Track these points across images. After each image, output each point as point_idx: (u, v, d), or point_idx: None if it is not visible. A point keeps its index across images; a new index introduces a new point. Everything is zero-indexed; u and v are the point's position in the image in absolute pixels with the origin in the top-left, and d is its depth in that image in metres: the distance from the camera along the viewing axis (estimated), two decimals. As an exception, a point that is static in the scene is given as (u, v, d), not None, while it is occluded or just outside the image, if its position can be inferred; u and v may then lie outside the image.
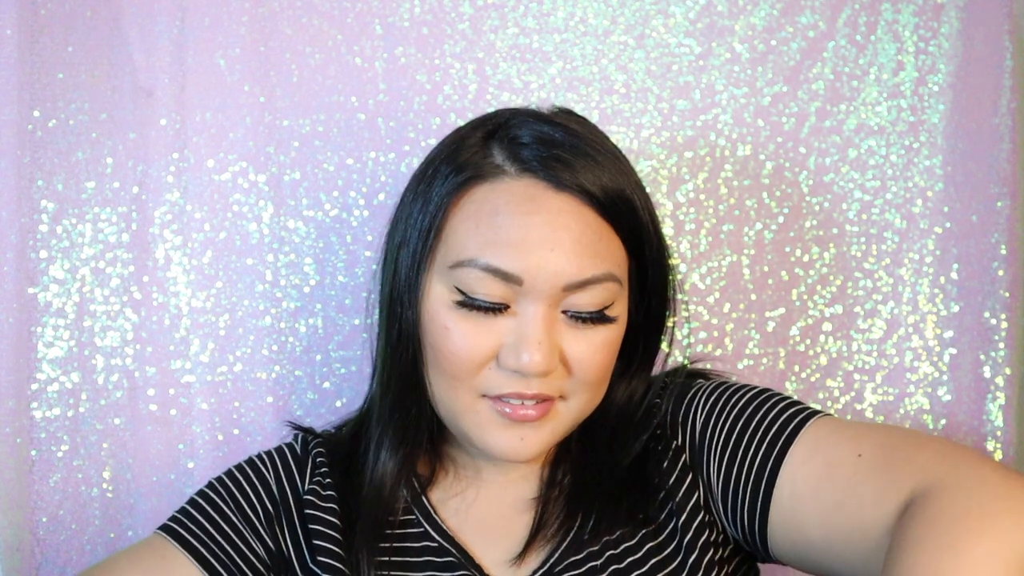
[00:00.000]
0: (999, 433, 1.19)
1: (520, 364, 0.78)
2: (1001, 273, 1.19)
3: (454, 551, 0.85)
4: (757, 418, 0.83)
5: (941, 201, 1.20)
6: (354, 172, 1.15)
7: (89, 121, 1.10)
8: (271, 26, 1.13)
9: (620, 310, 0.83)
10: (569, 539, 0.84)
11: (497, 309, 0.80)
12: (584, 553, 0.84)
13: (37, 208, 1.09)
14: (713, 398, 0.88)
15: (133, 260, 1.11)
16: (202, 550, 0.85)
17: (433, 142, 1.15)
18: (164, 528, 0.88)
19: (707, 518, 0.85)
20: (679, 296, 0.91)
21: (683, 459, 0.86)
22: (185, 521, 0.87)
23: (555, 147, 0.81)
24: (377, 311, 0.91)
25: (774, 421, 0.83)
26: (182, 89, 1.11)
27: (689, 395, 0.89)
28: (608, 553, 0.83)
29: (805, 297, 1.20)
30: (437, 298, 0.82)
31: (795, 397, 0.90)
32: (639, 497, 0.85)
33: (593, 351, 0.81)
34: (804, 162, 1.19)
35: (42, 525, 1.08)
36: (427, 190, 0.84)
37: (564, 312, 0.81)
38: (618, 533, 0.84)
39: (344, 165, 1.15)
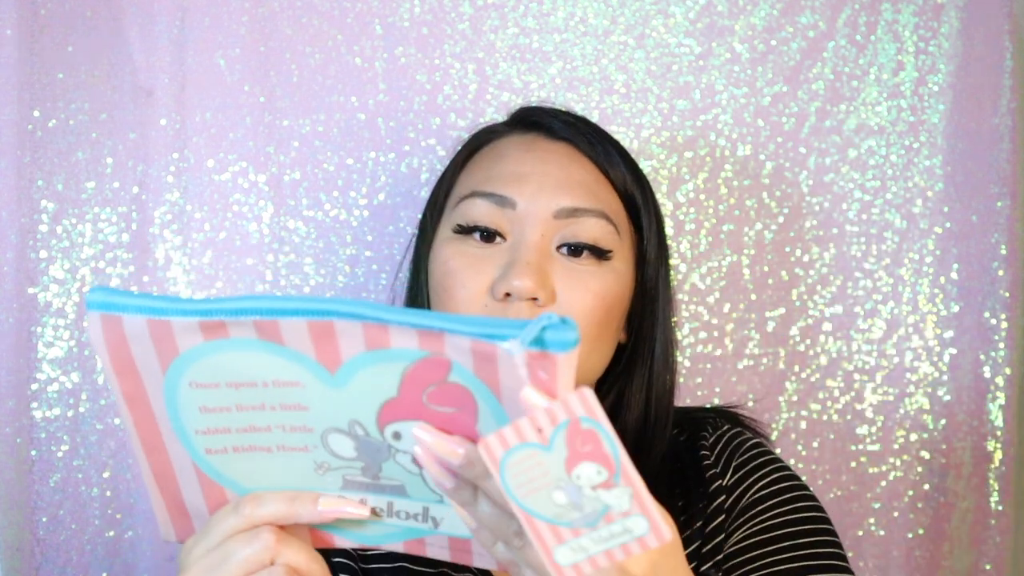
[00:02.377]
0: (999, 433, 1.19)
1: (510, 286, 0.77)
2: (1001, 273, 1.19)
3: None
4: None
5: (941, 201, 1.20)
6: (354, 172, 1.15)
7: (89, 121, 1.10)
8: (271, 26, 1.13)
9: (619, 264, 0.83)
10: None
11: (491, 236, 0.81)
12: None
13: (37, 208, 1.09)
14: (775, 496, 0.83)
15: (133, 260, 1.11)
16: None
17: (433, 142, 1.15)
18: None
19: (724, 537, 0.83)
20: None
21: (721, 499, 0.84)
22: None
23: (551, 114, 0.89)
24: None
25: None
26: (182, 89, 1.11)
27: (745, 447, 0.86)
28: None
29: (805, 297, 1.20)
30: (441, 240, 0.84)
31: (839, 547, 0.83)
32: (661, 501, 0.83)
33: (585, 292, 0.80)
34: (804, 162, 1.19)
35: (42, 525, 1.08)
36: (442, 176, 0.91)
37: (559, 249, 0.81)
38: None
39: (344, 165, 1.15)
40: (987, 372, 1.19)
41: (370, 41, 1.14)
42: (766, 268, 1.19)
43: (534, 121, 0.89)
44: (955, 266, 1.20)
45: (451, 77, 1.16)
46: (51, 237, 1.09)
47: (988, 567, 1.19)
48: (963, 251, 1.20)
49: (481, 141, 0.90)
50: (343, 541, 0.63)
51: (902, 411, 1.20)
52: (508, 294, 0.78)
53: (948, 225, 1.20)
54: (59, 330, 1.09)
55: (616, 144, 0.88)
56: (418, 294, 0.89)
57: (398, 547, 0.63)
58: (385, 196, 1.15)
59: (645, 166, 1.17)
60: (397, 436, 0.55)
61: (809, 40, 1.19)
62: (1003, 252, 1.19)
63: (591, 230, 0.81)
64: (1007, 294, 1.19)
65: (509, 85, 1.16)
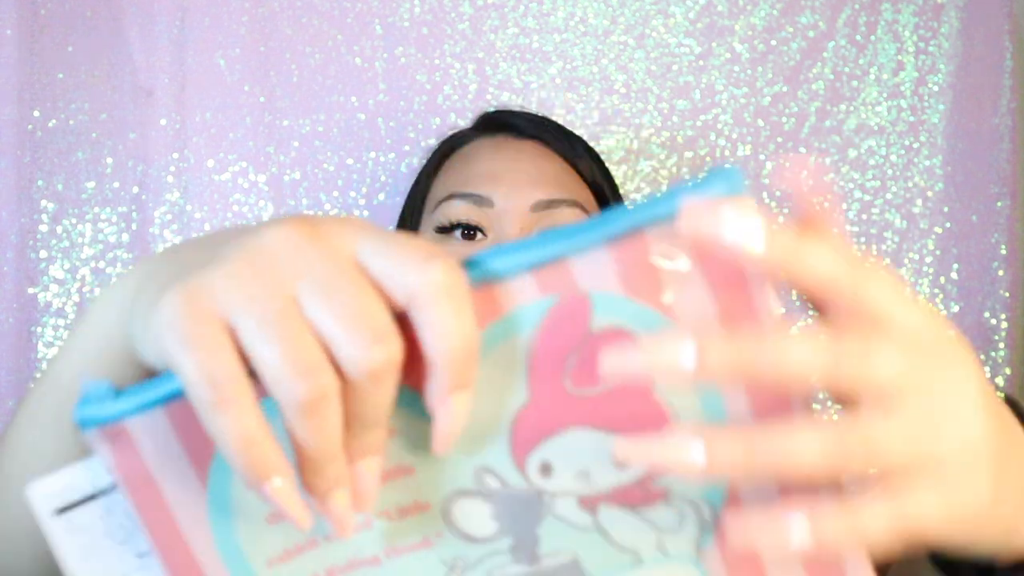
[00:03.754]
0: (999, 433, 1.19)
1: None
2: (1001, 273, 1.19)
3: None
4: None
5: (941, 201, 1.20)
6: (354, 172, 1.15)
7: (89, 121, 1.10)
8: (271, 26, 1.13)
9: None
10: None
11: (472, 233, 0.83)
12: None
13: (37, 208, 1.09)
14: None
15: (133, 260, 1.11)
16: None
17: (433, 142, 1.15)
18: None
19: None
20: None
21: None
22: None
23: (515, 115, 0.93)
24: None
25: None
26: (182, 89, 1.11)
27: None
28: None
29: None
30: None
31: None
32: None
33: None
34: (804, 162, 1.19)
35: (42, 525, 1.08)
36: (415, 183, 0.93)
37: None
38: None
39: (344, 165, 1.15)
40: (987, 372, 1.19)
41: (370, 41, 1.14)
42: (766, 268, 1.19)
43: (501, 123, 0.92)
44: (955, 266, 1.20)
45: (451, 77, 1.16)
46: (51, 237, 1.09)
47: (988, 567, 1.20)
48: (963, 251, 1.20)
49: (451, 146, 0.93)
50: None
51: (902, 411, 1.20)
52: None
53: (948, 225, 1.20)
54: (59, 330, 1.09)
55: (581, 140, 0.92)
56: None
57: None
58: (385, 196, 1.15)
59: (645, 166, 1.17)
60: (547, 470, 0.37)
61: (809, 40, 1.19)
62: (1003, 252, 1.19)
63: (567, 220, 0.85)
64: (1007, 294, 1.19)
65: (509, 85, 1.16)
